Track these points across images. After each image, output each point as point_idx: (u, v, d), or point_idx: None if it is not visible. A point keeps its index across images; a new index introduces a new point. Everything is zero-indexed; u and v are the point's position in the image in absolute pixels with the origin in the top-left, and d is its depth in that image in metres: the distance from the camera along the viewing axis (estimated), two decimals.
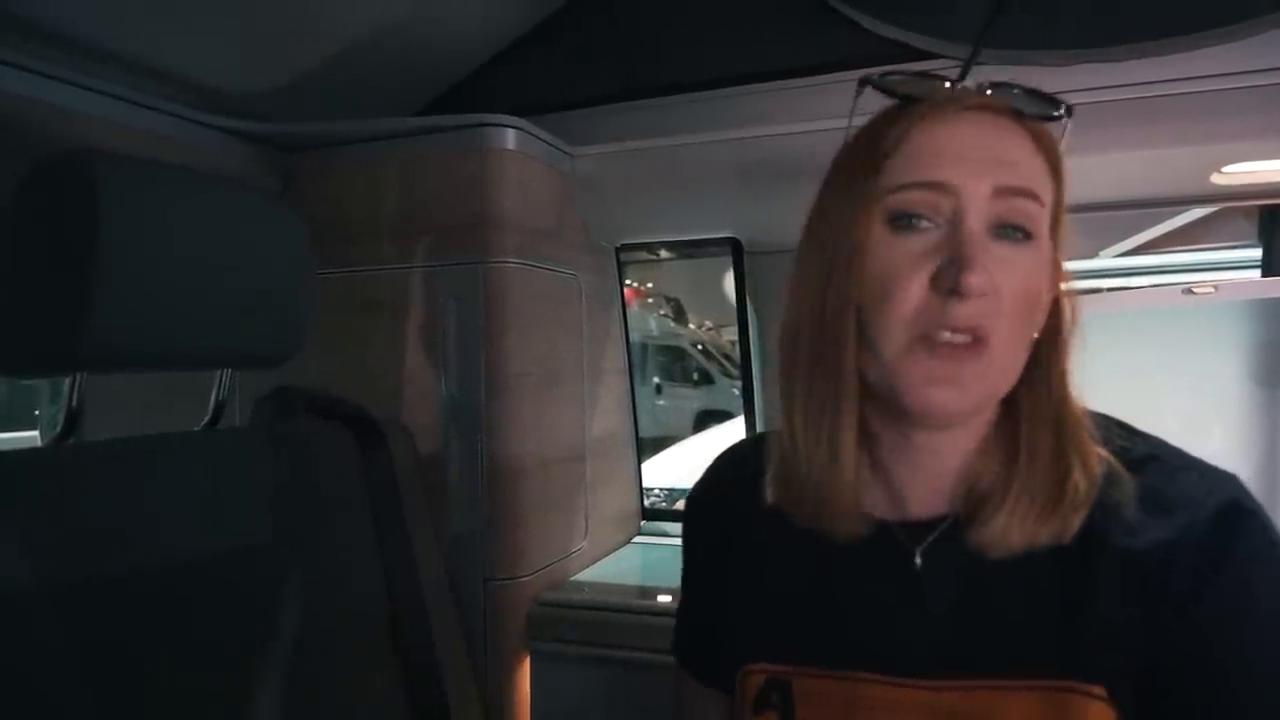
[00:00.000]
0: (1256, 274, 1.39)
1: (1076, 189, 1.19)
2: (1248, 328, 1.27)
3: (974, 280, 0.55)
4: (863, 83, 0.63)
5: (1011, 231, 0.58)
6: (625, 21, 1.29)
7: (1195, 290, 1.23)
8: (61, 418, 0.76)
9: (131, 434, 0.82)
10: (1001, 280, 0.56)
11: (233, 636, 0.81)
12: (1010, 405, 0.62)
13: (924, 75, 0.62)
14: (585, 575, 1.31)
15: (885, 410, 0.62)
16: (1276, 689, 0.55)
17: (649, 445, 1.70)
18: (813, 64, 1.19)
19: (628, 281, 1.55)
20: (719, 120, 1.19)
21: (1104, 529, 0.59)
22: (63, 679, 0.67)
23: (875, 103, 0.64)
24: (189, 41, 1.03)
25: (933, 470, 0.64)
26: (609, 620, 1.15)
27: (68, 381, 0.76)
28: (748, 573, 0.71)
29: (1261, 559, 0.57)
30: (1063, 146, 0.62)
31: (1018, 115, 0.60)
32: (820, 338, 0.61)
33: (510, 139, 1.15)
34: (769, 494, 0.67)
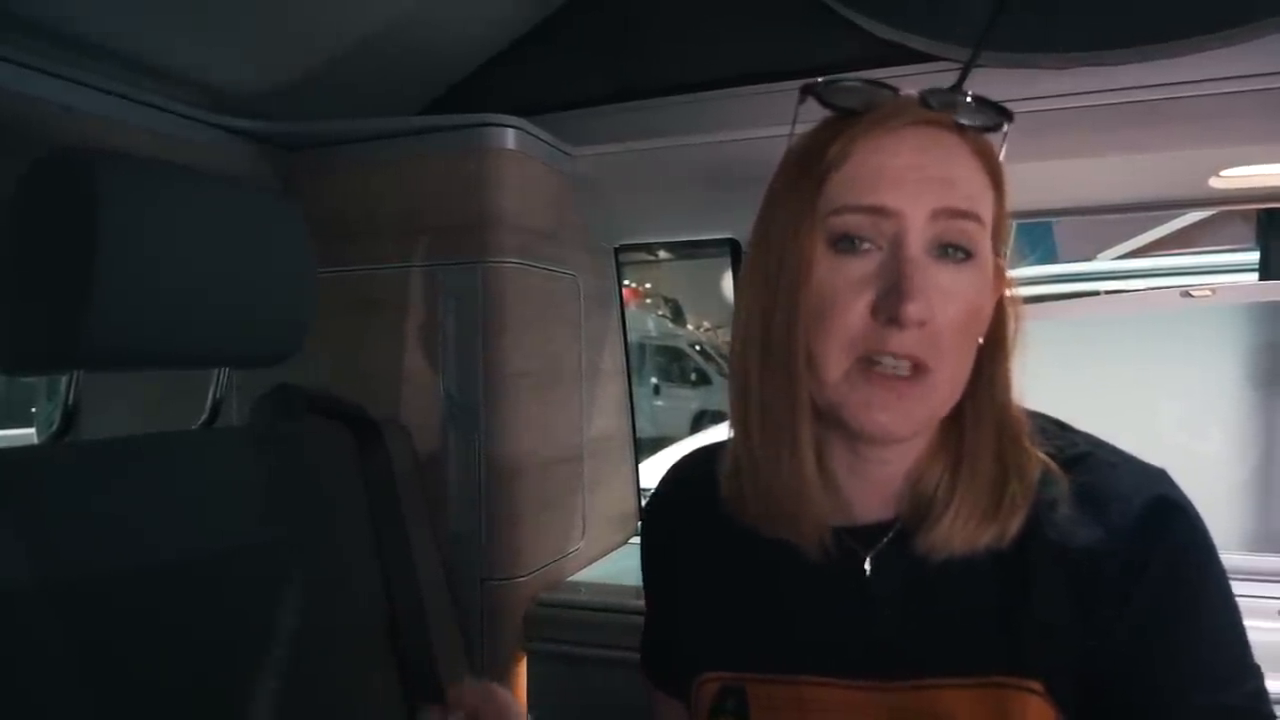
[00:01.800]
0: (1254, 277, 1.39)
1: (1074, 191, 1.20)
2: (1245, 331, 1.27)
3: (913, 310, 0.55)
4: (804, 91, 0.62)
5: (953, 251, 0.58)
6: (624, 21, 1.29)
7: (1193, 294, 1.23)
8: (58, 416, 0.76)
9: (129, 433, 0.82)
10: (941, 307, 0.57)
11: (229, 636, 0.81)
12: (955, 410, 0.63)
13: (869, 84, 0.61)
14: (582, 576, 1.31)
15: (831, 423, 0.62)
16: (1206, 679, 0.57)
17: (647, 445, 1.70)
18: (812, 65, 1.18)
19: (626, 282, 1.55)
20: (719, 121, 1.19)
21: (1041, 528, 0.60)
22: (59, 678, 0.67)
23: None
24: (189, 40, 1.02)
25: (879, 478, 0.65)
26: (606, 621, 1.15)
27: (65, 379, 0.76)
28: (700, 582, 0.72)
29: (1189, 553, 0.58)
30: (1002, 155, 0.62)
31: (959, 128, 0.60)
32: (770, 356, 0.61)
33: (510, 139, 1.15)
34: (727, 507, 0.67)
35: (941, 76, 1.14)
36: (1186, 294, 1.23)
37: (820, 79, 0.62)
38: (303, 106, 1.18)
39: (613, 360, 1.50)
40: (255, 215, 0.85)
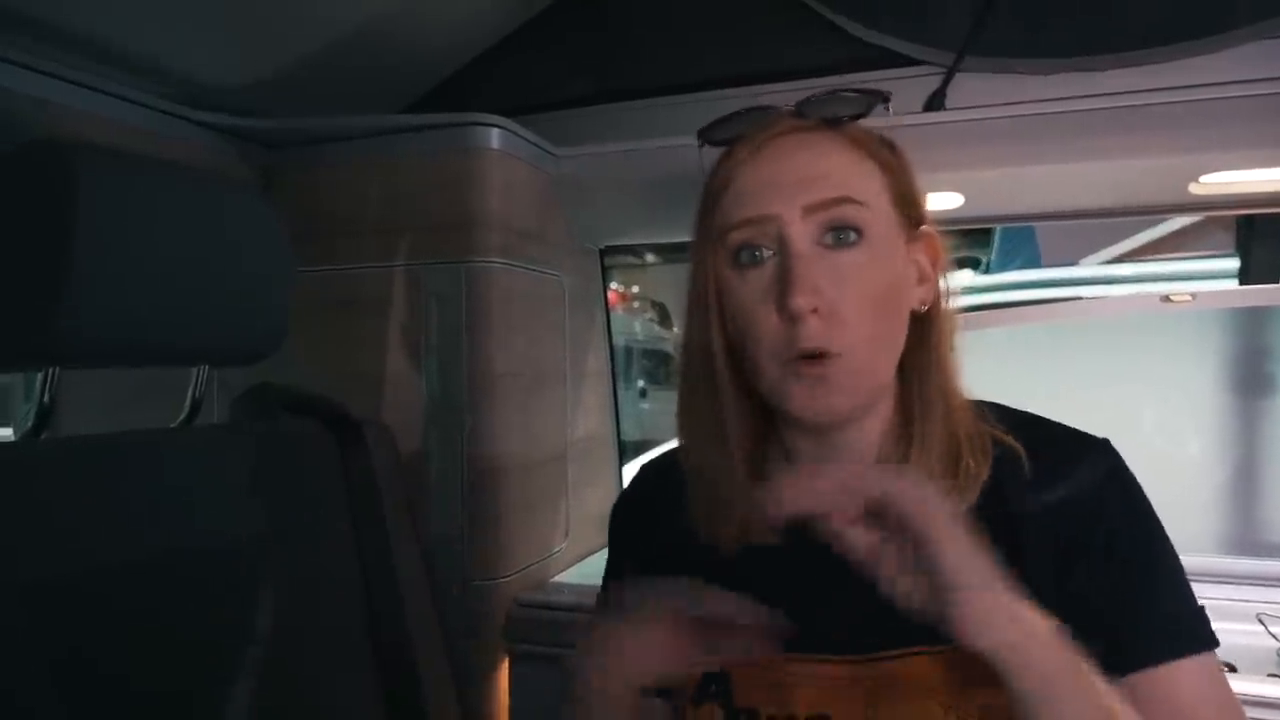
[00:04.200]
0: (1234, 283, 1.41)
1: (1056, 195, 1.21)
2: (1224, 336, 1.28)
3: (800, 300, 0.59)
4: (699, 137, 0.71)
5: (842, 234, 0.62)
6: (611, 23, 1.29)
7: (1173, 299, 1.24)
8: (33, 413, 0.75)
9: (107, 431, 0.81)
10: (839, 290, 0.61)
11: (207, 636, 0.80)
12: (906, 392, 0.67)
13: (750, 110, 0.68)
14: (565, 576, 1.31)
15: (790, 420, 0.67)
16: (1171, 593, 0.62)
17: (634, 448, 1.70)
18: (799, 68, 1.19)
19: (613, 285, 1.55)
20: (704, 122, 1.18)
21: (1008, 492, 0.64)
22: (32, 679, 0.66)
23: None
24: (169, 34, 1.02)
25: (845, 461, 0.68)
26: (589, 622, 1.14)
27: (40, 376, 0.75)
28: (680, 575, 0.72)
29: (1143, 499, 0.64)
30: (890, 124, 0.68)
31: (832, 124, 0.65)
32: (700, 372, 0.67)
33: (494, 139, 1.15)
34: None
35: (925, 80, 1.15)
36: (1167, 299, 1.24)
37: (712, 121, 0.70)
38: (284, 103, 1.18)
39: (597, 362, 1.50)
40: (234, 212, 0.85)
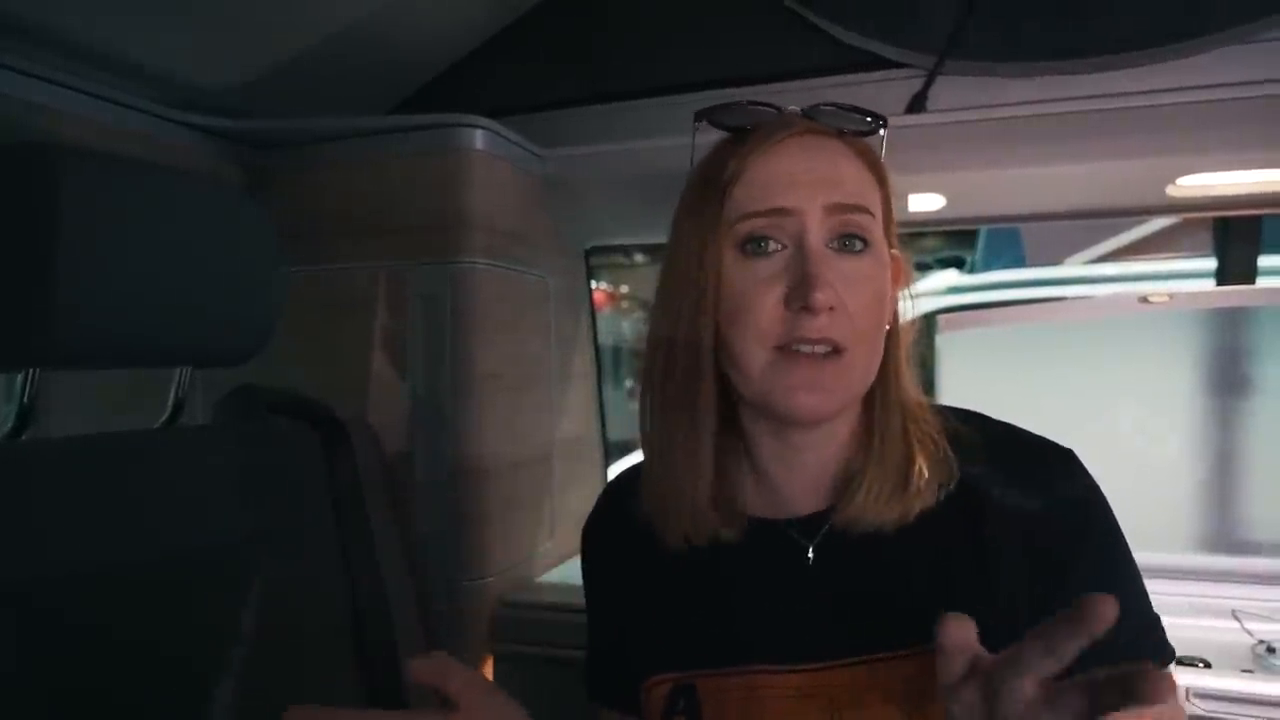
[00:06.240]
0: (1212, 283, 1.42)
1: (1037, 197, 1.22)
2: (1200, 336, 1.30)
3: (821, 297, 0.60)
4: (698, 117, 0.70)
5: (850, 242, 0.64)
6: (597, 24, 1.29)
7: (1151, 299, 1.25)
8: (12, 414, 0.74)
9: (94, 432, 0.80)
10: (847, 293, 0.62)
11: (189, 638, 0.80)
12: (868, 400, 0.68)
13: (754, 104, 0.68)
14: (550, 577, 1.31)
15: (759, 415, 0.68)
16: (1135, 600, 0.63)
17: (620, 448, 1.70)
18: (783, 70, 1.20)
19: (602, 285, 1.55)
20: (689, 123, 1.19)
21: (973, 499, 0.65)
22: (12, 679, 0.65)
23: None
24: (163, 38, 1.01)
25: (810, 467, 0.69)
26: (573, 622, 1.14)
27: (20, 378, 0.74)
28: (645, 592, 0.74)
29: (1106, 508, 0.66)
30: (883, 154, 0.68)
31: (840, 134, 0.66)
32: (680, 360, 0.67)
33: (479, 140, 1.15)
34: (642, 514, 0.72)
35: (908, 83, 1.16)
36: (1144, 300, 1.26)
37: (713, 106, 0.70)
38: (272, 104, 1.17)
39: (583, 362, 1.50)
40: (220, 212, 0.84)
